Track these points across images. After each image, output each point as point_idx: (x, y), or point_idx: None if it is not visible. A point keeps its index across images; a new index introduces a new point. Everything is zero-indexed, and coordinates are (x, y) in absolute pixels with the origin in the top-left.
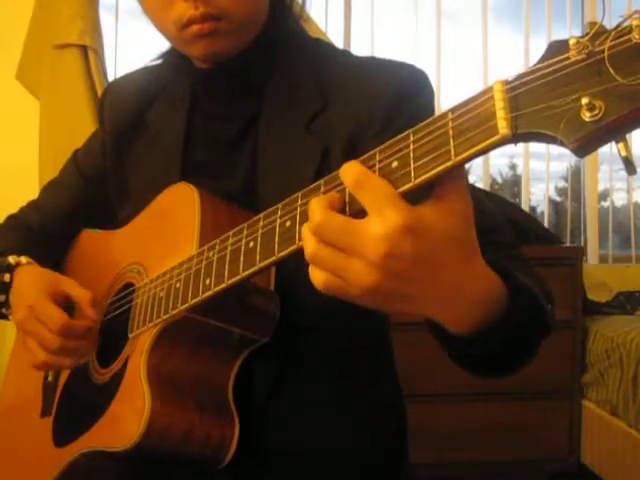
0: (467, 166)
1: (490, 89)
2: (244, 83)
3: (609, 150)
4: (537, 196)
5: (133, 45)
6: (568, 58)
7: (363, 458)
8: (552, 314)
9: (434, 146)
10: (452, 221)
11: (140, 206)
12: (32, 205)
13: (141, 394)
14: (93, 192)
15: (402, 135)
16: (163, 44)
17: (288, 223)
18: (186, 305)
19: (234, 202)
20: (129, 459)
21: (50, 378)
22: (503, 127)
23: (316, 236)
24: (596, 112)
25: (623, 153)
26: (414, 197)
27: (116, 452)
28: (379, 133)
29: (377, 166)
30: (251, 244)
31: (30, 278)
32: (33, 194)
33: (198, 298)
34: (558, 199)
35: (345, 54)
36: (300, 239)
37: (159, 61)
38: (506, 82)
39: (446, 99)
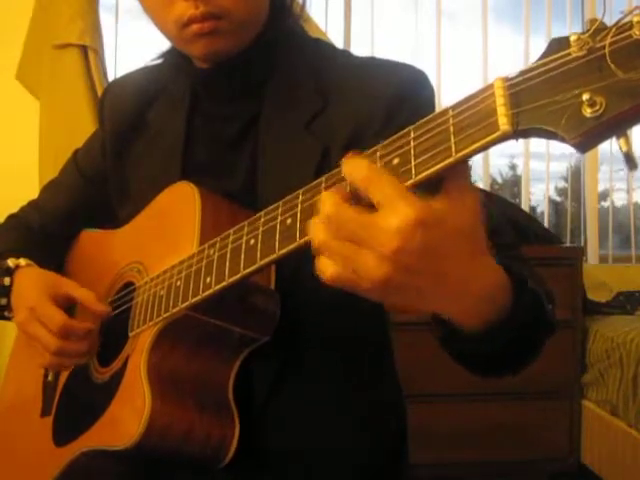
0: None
1: (491, 86)
2: (244, 83)
3: (609, 150)
4: (537, 196)
5: (133, 45)
6: (569, 54)
7: (363, 458)
8: (553, 314)
9: (435, 143)
10: (462, 215)
11: (140, 206)
12: (32, 205)
13: (141, 393)
14: (93, 192)
15: (403, 132)
16: (163, 44)
17: (289, 221)
18: (187, 303)
19: (235, 201)
20: (129, 458)
21: (50, 378)
22: (504, 123)
23: (327, 227)
24: (597, 108)
25: (624, 148)
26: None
27: (116, 451)
28: (379, 132)
29: (378, 163)
30: (252, 242)
31: (30, 280)
32: (33, 194)
33: (199, 296)
34: (558, 199)
35: (345, 54)
36: (301, 236)
37: (159, 61)
38: (507, 79)
39: (446, 99)
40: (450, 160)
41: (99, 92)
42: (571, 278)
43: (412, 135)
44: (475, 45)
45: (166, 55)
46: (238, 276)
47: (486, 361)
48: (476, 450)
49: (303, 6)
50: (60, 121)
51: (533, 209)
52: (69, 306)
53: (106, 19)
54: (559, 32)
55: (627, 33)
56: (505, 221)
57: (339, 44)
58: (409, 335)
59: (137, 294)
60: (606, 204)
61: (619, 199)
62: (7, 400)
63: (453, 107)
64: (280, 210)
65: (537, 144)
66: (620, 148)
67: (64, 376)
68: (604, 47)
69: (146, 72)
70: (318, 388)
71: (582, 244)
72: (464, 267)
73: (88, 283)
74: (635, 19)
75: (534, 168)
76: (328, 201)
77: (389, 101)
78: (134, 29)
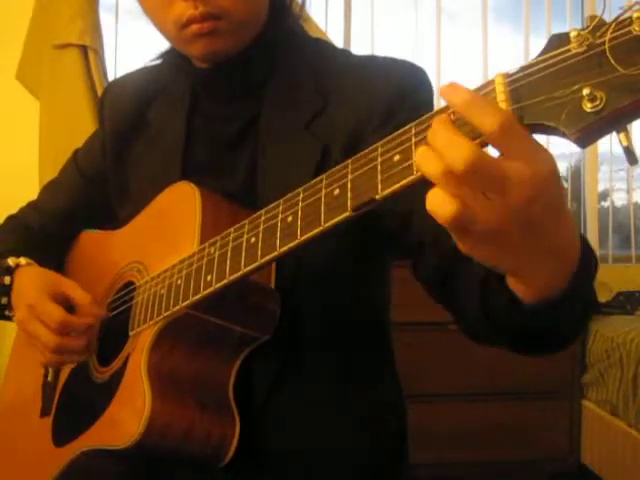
0: None
1: (492, 82)
2: (244, 83)
3: (609, 150)
4: None
5: (133, 45)
6: (569, 50)
7: (363, 458)
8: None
9: None
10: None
11: (140, 206)
12: (32, 205)
13: (142, 392)
14: (93, 192)
15: (404, 128)
16: (163, 44)
17: (290, 218)
18: (187, 302)
19: (235, 201)
20: (129, 458)
21: (50, 377)
22: None
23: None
24: (597, 103)
25: (624, 143)
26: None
27: (117, 450)
28: (379, 129)
29: (379, 159)
30: (252, 240)
31: (30, 279)
32: (33, 194)
33: (199, 295)
34: None
35: (345, 54)
36: (302, 234)
37: (159, 61)
38: (507, 75)
39: None
40: None
41: (99, 92)
42: None
43: (413, 131)
44: (475, 45)
45: (165, 55)
46: (239, 274)
47: (538, 336)
48: (476, 450)
49: (303, 6)
50: (60, 121)
51: None
52: (69, 305)
53: (106, 19)
54: (559, 32)
55: (627, 29)
56: None
57: (339, 44)
58: (409, 335)
59: (137, 293)
60: (606, 204)
61: (619, 199)
62: (7, 400)
63: None
64: (281, 208)
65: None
66: (620, 143)
67: (64, 376)
68: (604, 43)
69: (146, 72)
70: (318, 388)
71: None
72: (562, 225)
73: (88, 283)
74: (635, 15)
75: None
76: (461, 143)
77: (389, 98)
78: (134, 29)
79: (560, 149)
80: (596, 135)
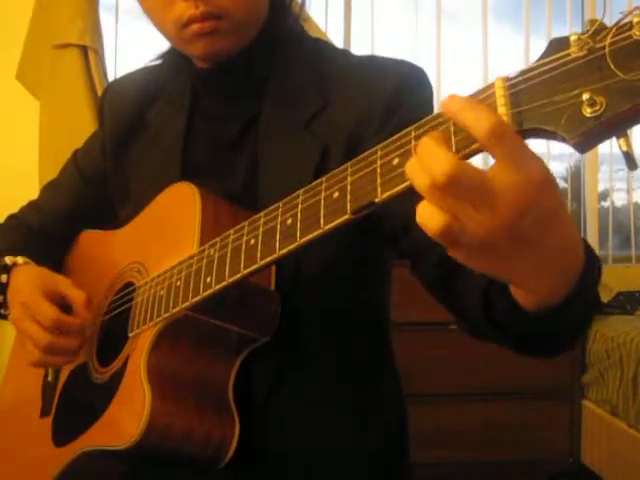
0: None
1: (491, 86)
2: (244, 83)
3: (609, 150)
4: None
5: (133, 45)
6: (569, 54)
7: (363, 458)
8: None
9: None
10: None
11: (140, 206)
12: (32, 205)
13: (141, 393)
14: (93, 192)
15: (403, 131)
16: (163, 44)
17: (289, 221)
18: (187, 303)
19: (235, 201)
20: (129, 458)
21: (50, 378)
22: None
23: (445, 180)
24: (597, 108)
25: (624, 148)
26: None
27: (117, 451)
28: (379, 129)
29: (378, 162)
30: (252, 242)
31: (26, 277)
32: (33, 194)
33: (199, 296)
34: None
35: (345, 54)
36: (302, 236)
37: (159, 61)
38: (507, 79)
39: None
40: None
41: (99, 92)
42: None
43: (413, 134)
44: (475, 45)
45: (165, 56)
46: (238, 276)
47: (540, 341)
48: (476, 450)
49: (302, 6)
50: (60, 121)
51: None
52: (65, 305)
53: (106, 19)
54: (559, 32)
55: (627, 33)
56: None
57: (339, 44)
58: (409, 335)
59: (137, 294)
60: (606, 204)
61: (619, 199)
62: (7, 400)
63: None
64: (280, 210)
65: (537, 144)
66: (620, 148)
67: (64, 376)
68: (604, 47)
69: (146, 72)
70: (318, 388)
71: None
72: (562, 238)
73: (88, 284)
74: (635, 19)
75: None
76: (443, 156)
77: (389, 98)
78: (134, 29)
79: (560, 149)
80: (596, 140)
